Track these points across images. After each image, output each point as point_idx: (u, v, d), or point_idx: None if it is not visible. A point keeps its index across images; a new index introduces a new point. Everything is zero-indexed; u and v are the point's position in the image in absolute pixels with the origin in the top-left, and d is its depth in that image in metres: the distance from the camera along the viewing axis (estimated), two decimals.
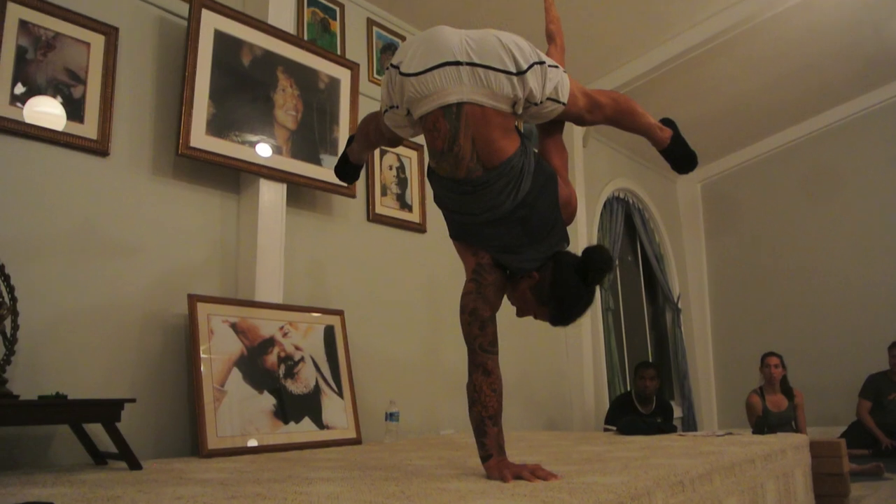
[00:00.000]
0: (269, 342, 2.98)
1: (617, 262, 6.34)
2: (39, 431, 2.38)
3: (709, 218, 7.52)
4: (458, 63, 1.69)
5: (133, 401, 2.20)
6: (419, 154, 4.19)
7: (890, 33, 5.45)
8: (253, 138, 3.13)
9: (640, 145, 5.04)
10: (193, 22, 2.94)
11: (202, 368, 2.68)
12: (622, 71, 5.24)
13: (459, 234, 1.89)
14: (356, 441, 3.10)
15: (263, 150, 3.15)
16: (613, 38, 4.94)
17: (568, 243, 1.90)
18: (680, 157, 2.10)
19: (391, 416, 3.32)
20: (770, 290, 6.96)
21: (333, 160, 2.54)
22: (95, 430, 2.24)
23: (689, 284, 7.31)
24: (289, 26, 3.40)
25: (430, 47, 1.73)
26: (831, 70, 5.87)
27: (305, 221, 3.48)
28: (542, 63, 1.76)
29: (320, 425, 3.00)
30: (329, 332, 3.26)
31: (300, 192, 3.41)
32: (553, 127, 2.04)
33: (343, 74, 3.58)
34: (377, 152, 3.94)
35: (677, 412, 6.40)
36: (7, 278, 2.22)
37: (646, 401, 4.70)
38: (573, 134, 5.33)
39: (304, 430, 2.92)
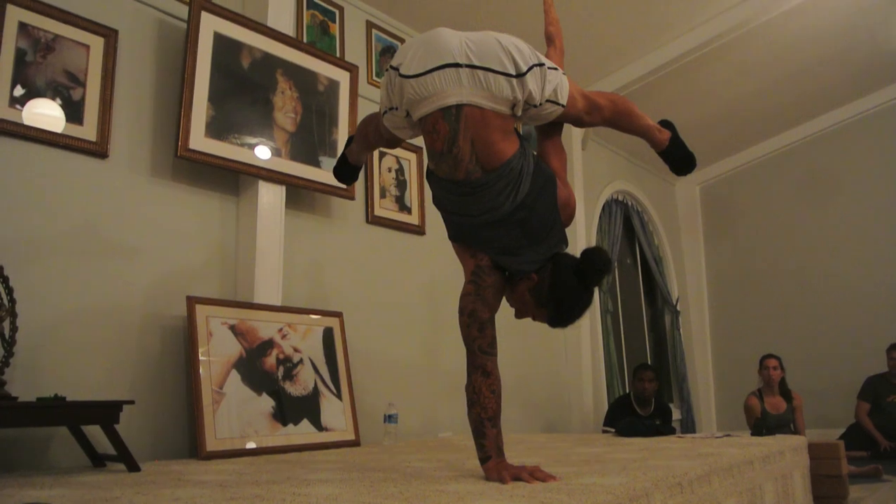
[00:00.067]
0: (268, 344, 2.98)
1: (616, 265, 6.35)
2: (38, 433, 2.38)
3: (707, 221, 7.53)
4: (457, 65, 1.69)
5: (132, 402, 2.19)
6: (418, 156, 4.19)
7: (884, 38, 5.47)
8: (252, 140, 3.13)
9: (638, 147, 5.05)
10: (193, 24, 2.94)
11: (201, 370, 2.68)
12: (620, 74, 5.26)
13: (458, 235, 1.89)
14: (355, 443, 3.10)
15: (262, 153, 3.16)
16: (612, 41, 4.95)
17: (567, 245, 1.91)
18: (678, 158, 2.11)
19: (390, 419, 3.32)
20: (768, 293, 6.97)
21: (332, 162, 2.55)
22: (94, 431, 2.24)
23: (687, 287, 7.32)
24: (288, 29, 3.41)
25: (430, 49, 1.73)
26: (827, 74, 5.89)
27: (304, 223, 3.48)
28: (541, 65, 1.76)
29: (319, 427, 3.00)
30: (328, 334, 3.26)
31: (299, 194, 3.42)
32: (552, 129, 2.04)
33: (342, 77, 3.59)
34: (376, 154, 3.95)
35: (676, 414, 6.41)
36: (6, 280, 2.22)
37: (644, 403, 4.70)
38: (572, 136, 5.34)
39: (302, 432, 2.92)
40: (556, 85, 1.80)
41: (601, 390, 5.52)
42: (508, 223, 1.78)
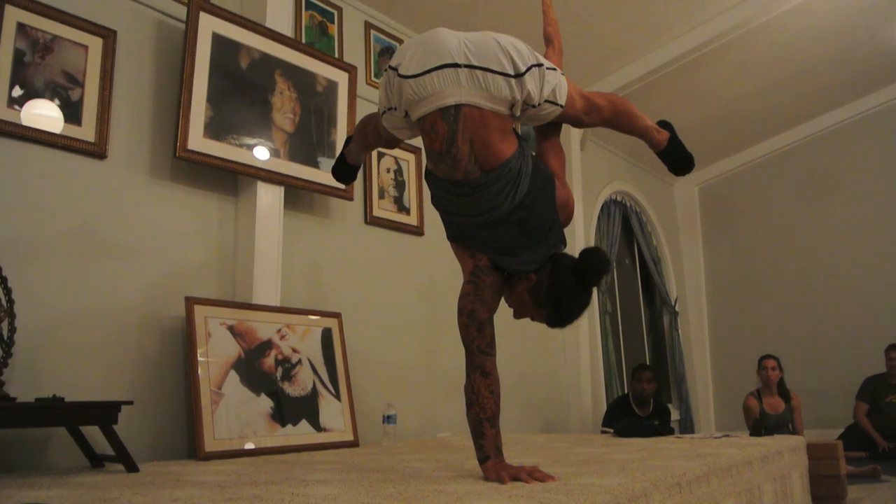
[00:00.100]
0: (267, 345, 2.98)
1: (614, 265, 6.35)
2: (36, 434, 2.38)
3: (706, 221, 7.54)
4: (456, 65, 1.69)
5: (130, 403, 2.19)
6: (417, 157, 4.19)
7: (884, 38, 5.47)
8: (250, 141, 3.13)
9: (637, 148, 5.05)
10: (191, 25, 2.94)
11: (199, 371, 2.68)
12: (619, 74, 5.26)
13: (457, 236, 1.89)
14: (353, 444, 3.10)
15: (261, 153, 3.16)
16: (611, 41, 4.95)
17: (565, 245, 1.91)
18: (677, 159, 2.12)
19: (388, 419, 3.32)
20: (767, 293, 6.97)
21: (331, 163, 2.55)
22: (92, 432, 2.24)
23: (686, 287, 7.32)
24: (287, 29, 3.41)
25: (429, 49, 1.73)
26: (827, 74, 5.90)
27: (303, 224, 3.48)
28: (540, 65, 1.77)
29: (317, 428, 3.00)
30: (326, 335, 3.26)
31: (298, 194, 3.42)
32: (551, 129, 2.04)
33: (341, 77, 3.59)
34: (374, 155, 3.95)
35: (674, 415, 6.41)
36: (4, 280, 2.22)
37: (643, 403, 4.71)
38: (571, 137, 5.35)
39: (301, 432, 2.92)
40: (554, 85, 1.81)
41: (600, 391, 5.52)
42: (507, 223, 1.78)
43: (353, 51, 3.97)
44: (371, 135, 2.12)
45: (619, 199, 6.46)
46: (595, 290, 2.17)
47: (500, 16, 4.23)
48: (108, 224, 2.72)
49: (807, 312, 6.65)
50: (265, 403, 2.85)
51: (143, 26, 2.98)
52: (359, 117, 3.23)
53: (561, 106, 1.84)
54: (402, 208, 4.08)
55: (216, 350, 2.78)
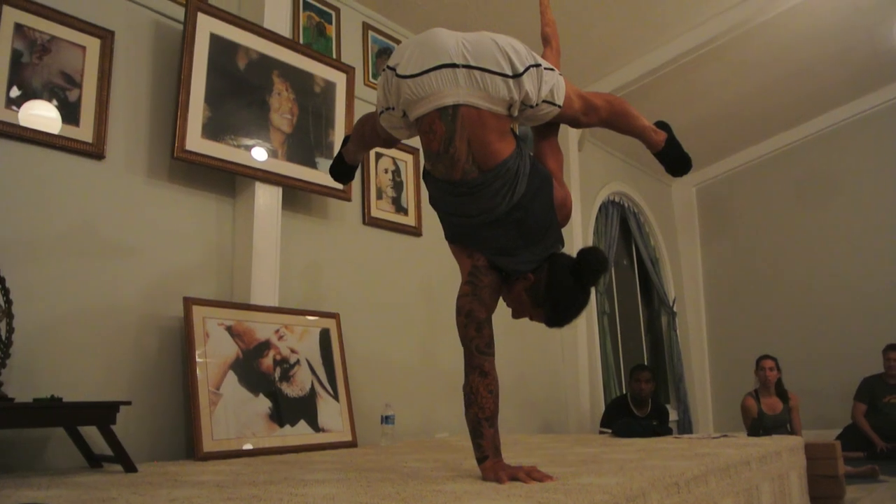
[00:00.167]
0: (265, 345, 2.98)
1: (612, 266, 6.35)
2: (34, 434, 2.37)
3: (704, 222, 7.54)
4: (454, 65, 1.70)
5: (128, 403, 2.19)
6: (415, 157, 4.19)
7: (883, 38, 5.48)
8: (248, 142, 3.13)
9: (635, 149, 5.06)
10: (189, 25, 2.94)
11: (198, 371, 2.68)
12: (618, 74, 5.26)
13: (455, 236, 1.89)
14: (352, 444, 3.10)
15: (259, 154, 3.16)
16: (609, 42, 4.96)
17: (563, 245, 1.91)
18: (674, 159, 2.12)
19: (387, 419, 3.32)
20: (765, 294, 6.98)
21: (329, 163, 2.55)
22: (91, 432, 2.24)
23: (684, 288, 7.32)
24: (284, 30, 3.41)
25: (427, 49, 1.73)
26: (825, 75, 5.91)
27: (301, 225, 3.48)
28: (537, 66, 1.77)
29: (316, 428, 3.00)
30: (325, 336, 3.26)
31: (296, 195, 3.42)
32: (548, 129, 2.04)
33: (338, 78, 3.59)
34: (372, 155, 3.95)
35: (673, 415, 6.41)
36: (2, 281, 2.21)
37: (641, 403, 4.71)
38: (568, 137, 5.35)
39: (299, 433, 2.92)
40: (552, 85, 1.81)
41: (598, 391, 5.53)
42: (505, 223, 1.78)
43: (351, 51, 3.97)
44: (369, 134, 2.12)
45: (617, 199, 6.47)
46: (593, 291, 2.18)
47: (497, 16, 4.24)
48: (106, 225, 2.72)
49: (805, 313, 6.66)
50: (263, 404, 2.85)
51: (141, 27, 2.98)
52: (357, 118, 3.22)
53: (559, 106, 1.84)
54: (400, 209, 4.08)
55: (214, 350, 2.78)
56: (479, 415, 1.69)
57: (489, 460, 1.68)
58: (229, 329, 2.88)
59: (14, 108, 2.51)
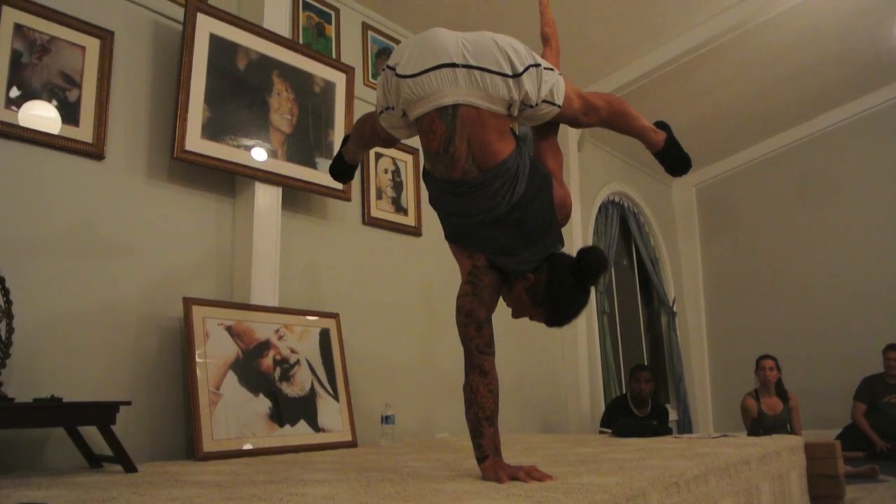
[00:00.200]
0: (265, 345, 2.98)
1: (612, 266, 6.36)
2: (34, 434, 2.37)
3: (704, 222, 7.55)
4: (454, 65, 1.70)
5: (128, 403, 2.19)
6: (414, 157, 4.19)
7: (883, 38, 5.49)
8: (248, 142, 3.13)
9: (635, 149, 5.06)
10: (189, 26, 2.94)
11: (198, 371, 2.68)
12: (617, 75, 5.26)
13: (455, 236, 1.89)
14: (352, 444, 3.10)
15: (259, 154, 3.16)
16: (609, 42, 4.96)
17: (563, 245, 1.91)
18: (674, 159, 2.12)
19: (387, 419, 3.32)
20: (765, 293, 6.98)
21: (329, 163, 2.55)
22: (91, 432, 2.24)
23: (684, 288, 7.33)
24: (284, 30, 3.41)
25: (427, 49, 1.74)
26: (825, 74, 5.91)
27: (301, 225, 3.48)
28: (537, 65, 1.77)
29: (316, 428, 3.00)
30: (324, 336, 3.26)
31: (296, 195, 3.42)
32: (548, 129, 2.05)
33: (338, 78, 3.59)
34: (372, 155, 3.95)
35: (673, 415, 6.41)
36: (2, 281, 2.21)
37: (641, 403, 4.71)
38: (568, 137, 5.35)
39: (299, 432, 2.92)
40: (552, 85, 1.81)
41: (598, 391, 5.53)
42: (505, 223, 1.78)
43: (351, 52, 3.97)
44: (369, 134, 2.12)
45: (616, 199, 6.47)
46: (593, 290, 2.18)
47: (497, 16, 4.24)
48: (105, 225, 2.72)
49: (805, 312, 6.66)
50: (263, 404, 2.85)
51: (141, 27, 2.98)
52: (356, 118, 3.22)
53: (558, 106, 1.84)
54: (400, 209, 4.08)
55: (214, 350, 2.78)
56: (479, 414, 1.69)
57: (489, 460, 1.68)
58: (229, 329, 2.88)
59: (14, 108, 2.51)
